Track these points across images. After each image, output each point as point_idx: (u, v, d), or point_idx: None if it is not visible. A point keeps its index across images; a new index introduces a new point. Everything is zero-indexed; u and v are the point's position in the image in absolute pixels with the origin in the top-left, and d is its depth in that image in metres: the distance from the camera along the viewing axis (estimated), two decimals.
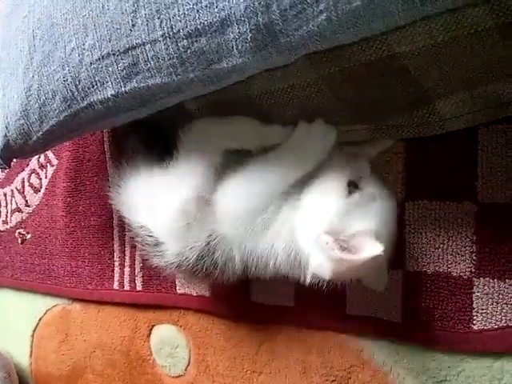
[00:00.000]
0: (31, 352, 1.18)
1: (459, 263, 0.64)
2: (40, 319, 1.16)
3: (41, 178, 1.12)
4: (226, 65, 0.51)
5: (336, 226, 0.56)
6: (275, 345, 0.82)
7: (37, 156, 1.12)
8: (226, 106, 0.64)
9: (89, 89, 0.62)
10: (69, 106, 0.65)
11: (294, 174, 0.62)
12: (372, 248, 0.50)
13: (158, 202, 0.68)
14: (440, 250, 0.66)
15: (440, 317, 0.66)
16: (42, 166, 1.12)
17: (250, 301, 0.82)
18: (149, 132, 0.79)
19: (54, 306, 1.13)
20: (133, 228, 0.72)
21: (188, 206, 0.65)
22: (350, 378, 0.73)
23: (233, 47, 0.49)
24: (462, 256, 0.64)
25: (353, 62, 0.53)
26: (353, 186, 0.59)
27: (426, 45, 0.48)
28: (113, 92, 0.60)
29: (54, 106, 0.67)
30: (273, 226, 0.62)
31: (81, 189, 1.03)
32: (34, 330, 1.17)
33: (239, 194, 0.64)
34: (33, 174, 1.14)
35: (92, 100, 0.63)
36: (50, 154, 1.09)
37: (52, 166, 1.09)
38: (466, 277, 0.64)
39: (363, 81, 0.55)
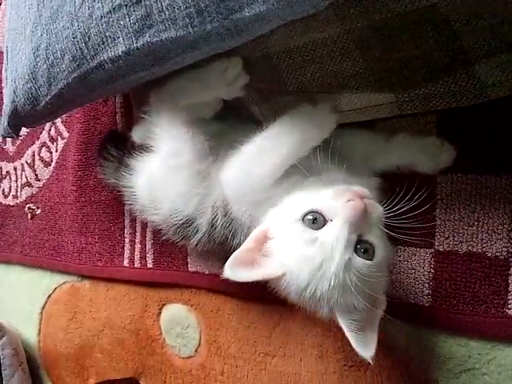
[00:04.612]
0: (39, 330, 1.16)
1: (495, 242, 0.60)
2: (49, 296, 1.13)
3: (51, 152, 1.09)
4: (247, 13, 0.46)
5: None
6: (290, 327, 0.78)
7: (47, 129, 1.09)
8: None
9: (99, 46, 0.58)
10: (78, 65, 0.61)
11: (286, 158, 0.56)
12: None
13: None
14: (474, 227, 0.61)
15: (471, 300, 0.62)
16: (52, 140, 1.09)
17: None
18: None
19: (63, 283, 1.10)
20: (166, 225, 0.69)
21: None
22: (370, 363, 0.69)
23: None
24: (499, 235, 0.59)
25: (385, 14, 0.48)
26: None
27: None
28: (124, 48, 0.56)
29: (63, 66, 0.63)
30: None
31: (92, 162, 0.99)
32: (43, 308, 1.15)
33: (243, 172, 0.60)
34: (43, 148, 1.11)
35: (102, 59, 0.59)
36: (60, 126, 1.06)
37: (63, 139, 1.06)
38: (502, 257, 0.59)
39: (395, 36, 0.50)
